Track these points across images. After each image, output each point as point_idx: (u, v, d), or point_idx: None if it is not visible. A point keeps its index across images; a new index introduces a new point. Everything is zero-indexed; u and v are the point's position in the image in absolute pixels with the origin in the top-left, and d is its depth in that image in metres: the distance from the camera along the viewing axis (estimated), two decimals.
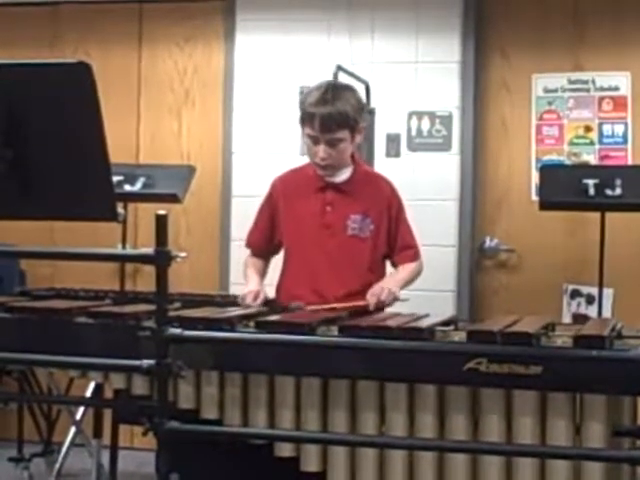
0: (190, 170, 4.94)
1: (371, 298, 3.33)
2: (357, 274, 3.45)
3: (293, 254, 3.56)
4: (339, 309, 3.26)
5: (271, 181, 3.68)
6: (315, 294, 3.43)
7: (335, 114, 3.36)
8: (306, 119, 3.42)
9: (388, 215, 3.53)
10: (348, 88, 3.57)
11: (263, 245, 3.66)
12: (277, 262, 3.71)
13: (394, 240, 3.55)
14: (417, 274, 3.64)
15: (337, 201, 3.51)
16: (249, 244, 3.70)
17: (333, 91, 3.42)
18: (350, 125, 3.40)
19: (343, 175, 3.53)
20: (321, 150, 3.40)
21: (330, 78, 4.49)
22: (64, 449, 5.05)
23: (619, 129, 5.21)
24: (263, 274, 3.65)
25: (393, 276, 3.55)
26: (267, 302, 3.40)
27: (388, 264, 3.66)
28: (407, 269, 3.57)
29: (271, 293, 3.59)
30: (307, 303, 3.33)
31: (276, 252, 3.69)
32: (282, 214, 3.57)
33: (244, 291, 3.45)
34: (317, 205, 3.51)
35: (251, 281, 3.54)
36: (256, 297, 3.38)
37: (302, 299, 3.38)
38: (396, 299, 3.39)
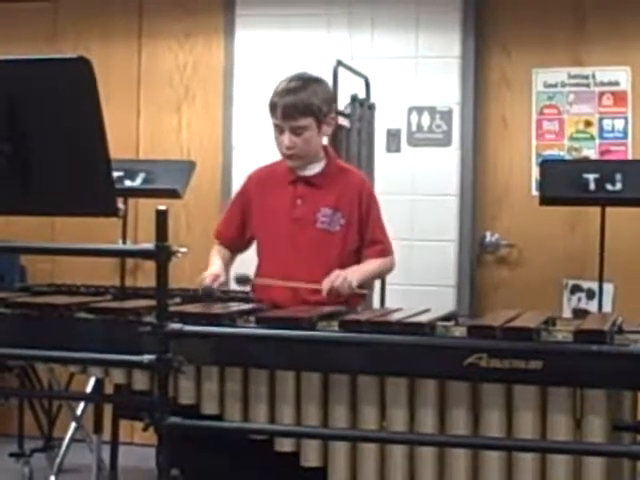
0: (190, 165, 4.94)
1: (325, 283, 3.29)
2: (327, 267, 3.40)
3: (265, 247, 3.53)
4: (290, 288, 3.30)
5: (247, 175, 3.66)
6: (288, 287, 3.40)
7: (298, 102, 3.36)
8: (271, 108, 3.43)
9: (359, 210, 3.50)
10: (316, 80, 3.54)
11: (232, 237, 3.59)
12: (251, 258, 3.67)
13: (363, 234, 3.52)
14: (385, 270, 3.61)
15: (308, 194, 3.49)
16: (218, 236, 3.64)
17: (299, 82, 3.42)
18: (314, 113, 3.39)
19: (315, 169, 3.52)
20: (286, 139, 3.40)
21: (329, 73, 4.50)
22: (64, 444, 5.05)
23: (619, 124, 5.20)
24: (228, 263, 3.57)
25: (356, 267, 3.49)
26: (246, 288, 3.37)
27: None
28: (373, 263, 3.51)
29: None
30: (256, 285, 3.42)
31: (245, 248, 3.63)
32: (254, 208, 3.54)
33: (204, 273, 3.40)
34: (288, 198, 3.49)
35: (213, 264, 3.47)
36: (215, 280, 3.34)
37: (275, 292, 3.37)
38: (352, 289, 3.32)
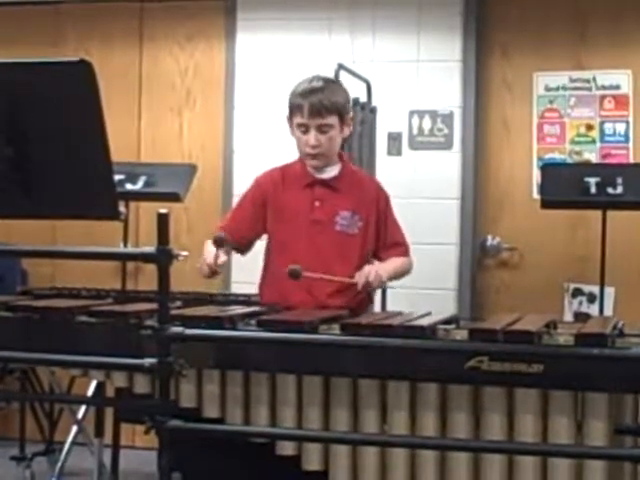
0: (191, 169, 4.94)
1: (360, 278, 3.32)
2: (346, 270, 3.42)
3: (282, 249, 3.53)
4: (308, 292, 3.35)
5: (256, 177, 3.64)
6: (304, 290, 3.40)
7: (324, 100, 3.39)
8: (295, 109, 3.45)
9: (376, 212, 3.53)
10: (334, 81, 3.61)
11: (236, 238, 3.49)
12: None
13: (383, 237, 3.54)
14: (406, 270, 3.62)
15: (326, 196, 3.50)
16: (223, 229, 3.51)
17: (320, 82, 3.46)
18: (339, 111, 3.42)
19: (331, 172, 3.53)
20: (312, 137, 3.41)
21: (331, 77, 4.50)
22: (66, 448, 5.05)
23: (620, 127, 5.20)
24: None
25: (383, 264, 3.52)
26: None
27: None
28: (396, 262, 3.55)
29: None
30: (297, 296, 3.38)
31: (245, 249, 3.57)
32: (270, 209, 3.54)
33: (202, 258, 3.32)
34: (306, 200, 3.50)
35: (209, 250, 3.35)
36: (216, 258, 3.25)
37: (291, 294, 3.37)
38: (382, 284, 3.41)
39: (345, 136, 3.56)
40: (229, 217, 3.66)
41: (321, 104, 3.38)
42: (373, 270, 3.34)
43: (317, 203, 3.49)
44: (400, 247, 3.59)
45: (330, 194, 3.50)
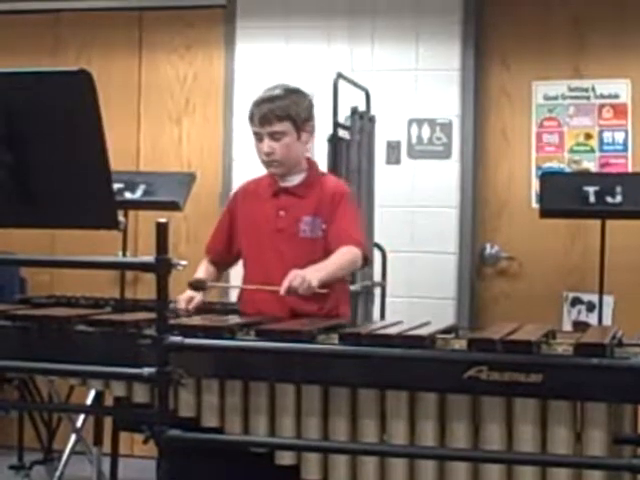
0: (190, 177, 4.94)
1: (284, 283, 3.20)
2: None
3: (251, 260, 3.54)
4: (276, 298, 3.25)
5: (233, 191, 3.69)
6: (274, 299, 3.38)
7: (275, 108, 3.40)
8: (250, 118, 3.47)
9: (330, 209, 3.49)
10: (295, 90, 3.54)
11: (220, 251, 3.62)
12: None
13: (330, 227, 3.44)
14: (351, 262, 3.42)
15: (290, 205, 3.50)
16: (208, 251, 3.67)
17: (276, 91, 3.46)
18: (291, 118, 3.41)
19: (295, 180, 3.54)
20: (265, 145, 3.42)
21: (330, 85, 4.52)
22: (64, 457, 5.04)
23: (619, 136, 5.21)
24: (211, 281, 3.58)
25: (319, 266, 3.34)
26: (200, 308, 3.36)
27: None
28: (337, 254, 3.38)
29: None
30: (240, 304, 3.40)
31: (233, 263, 3.66)
32: (240, 222, 3.56)
33: (179, 297, 3.40)
34: (271, 210, 3.50)
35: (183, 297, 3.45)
36: (189, 301, 3.36)
37: (262, 303, 3.37)
38: (312, 289, 3.19)
39: (307, 143, 3.53)
40: (210, 237, 3.70)
41: (270, 111, 3.40)
42: (300, 275, 3.20)
43: (282, 212, 3.48)
44: (344, 232, 3.41)
45: (294, 202, 3.49)
